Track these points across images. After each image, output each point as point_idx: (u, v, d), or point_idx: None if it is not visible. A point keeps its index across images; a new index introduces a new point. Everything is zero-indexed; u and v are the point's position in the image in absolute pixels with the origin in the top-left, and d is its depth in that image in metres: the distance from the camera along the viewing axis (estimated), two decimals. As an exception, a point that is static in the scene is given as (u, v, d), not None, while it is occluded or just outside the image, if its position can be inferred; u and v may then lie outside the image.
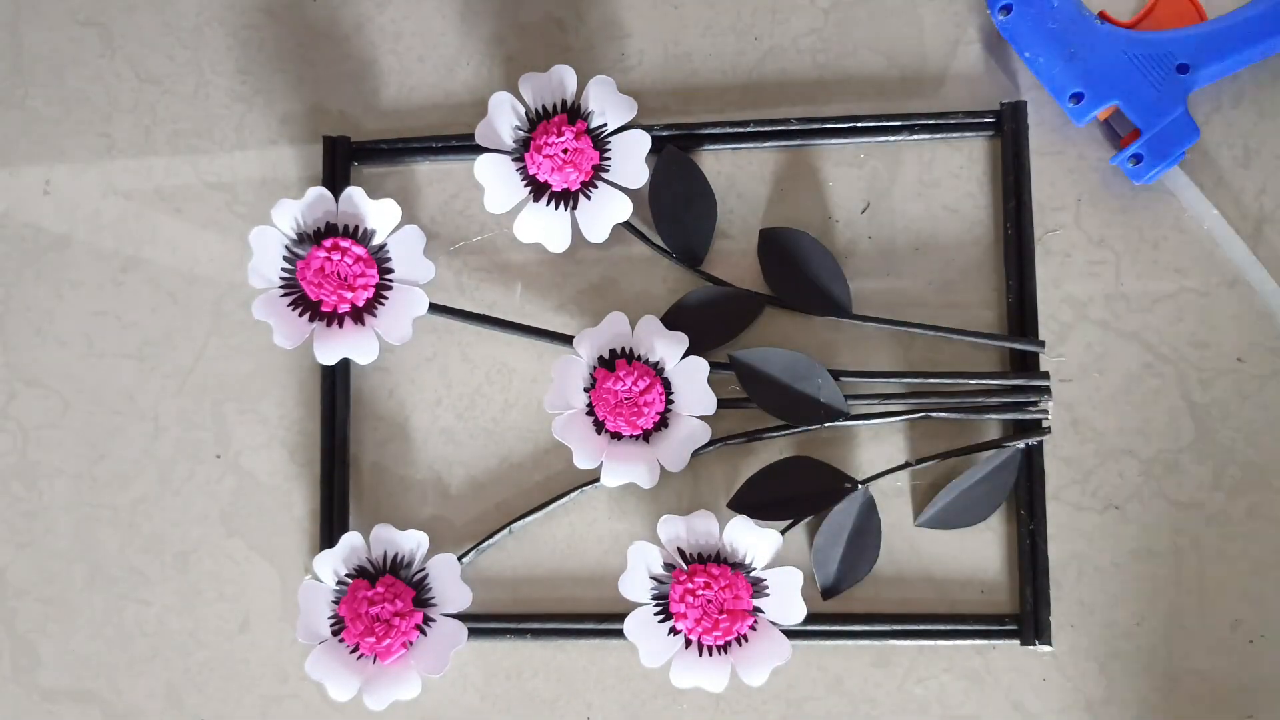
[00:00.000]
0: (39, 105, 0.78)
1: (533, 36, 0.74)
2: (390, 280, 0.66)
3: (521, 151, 0.69)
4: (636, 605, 0.66)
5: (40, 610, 0.75)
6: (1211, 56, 0.66)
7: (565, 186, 0.68)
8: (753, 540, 0.65)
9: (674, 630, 0.65)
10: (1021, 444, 0.67)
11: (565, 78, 0.68)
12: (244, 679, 0.73)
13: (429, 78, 0.75)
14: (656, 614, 0.65)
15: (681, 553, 0.65)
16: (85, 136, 0.77)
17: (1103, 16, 0.67)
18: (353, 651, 0.67)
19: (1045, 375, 0.66)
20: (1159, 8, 0.67)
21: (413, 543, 0.68)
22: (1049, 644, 0.66)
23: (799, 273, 0.69)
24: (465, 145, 0.71)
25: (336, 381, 0.72)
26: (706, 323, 0.69)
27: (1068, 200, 0.69)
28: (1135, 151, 0.66)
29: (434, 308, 0.67)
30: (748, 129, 0.70)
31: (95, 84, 0.77)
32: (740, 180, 0.72)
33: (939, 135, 0.70)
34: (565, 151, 0.67)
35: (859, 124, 0.70)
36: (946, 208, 0.70)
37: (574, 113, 0.69)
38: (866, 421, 0.68)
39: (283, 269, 0.66)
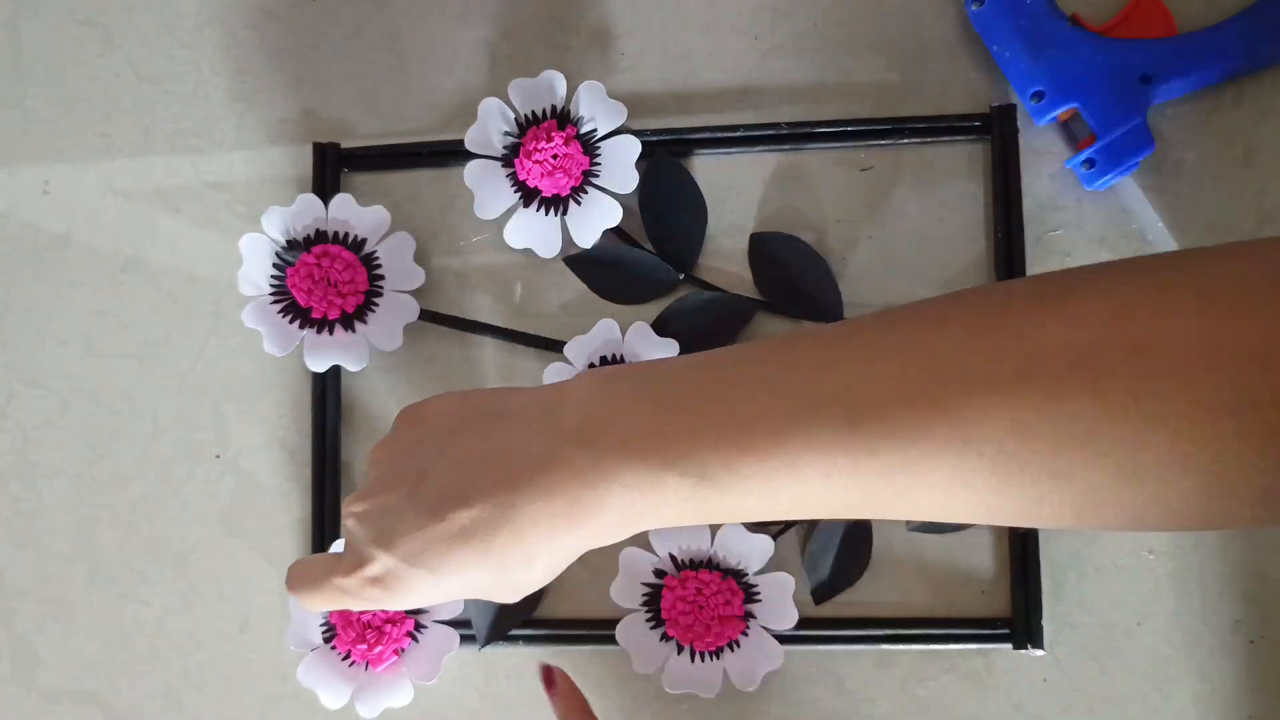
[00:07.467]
0: (38, 105, 0.78)
1: (532, 36, 0.73)
2: (380, 287, 0.66)
3: (511, 157, 0.69)
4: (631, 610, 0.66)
5: (40, 610, 0.75)
6: (1175, 70, 0.66)
7: (555, 192, 0.68)
8: (745, 546, 0.65)
9: (666, 637, 0.65)
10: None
11: (555, 83, 0.68)
12: (244, 679, 0.73)
13: (429, 78, 0.74)
14: (648, 620, 0.65)
15: (673, 559, 0.65)
16: (84, 136, 0.77)
17: (1075, 19, 0.67)
18: (344, 659, 0.67)
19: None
20: (1133, 16, 0.67)
21: (406, 547, 0.68)
22: (1041, 648, 0.66)
23: (789, 277, 0.69)
24: (456, 151, 0.71)
25: (327, 388, 0.72)
26: (697, 328, 0.69)
27: (1067, 200, 0.69)
28: (1089, 156, 0.66)
29: (424, 314, 0.67)
30: (738, 134, 0.70)
31: (95, 84, 0.77)
32: (733, 185, 0.71)
33: (929, 140, 0.69)
34: (555, 157, 0.67)
35: (849, 128, 0.69)
36: (945, 208, 0.70)
37: (563, 118, 0.68)
38: (861, 425, 0.68)
39: (273, 276, 0.67)
